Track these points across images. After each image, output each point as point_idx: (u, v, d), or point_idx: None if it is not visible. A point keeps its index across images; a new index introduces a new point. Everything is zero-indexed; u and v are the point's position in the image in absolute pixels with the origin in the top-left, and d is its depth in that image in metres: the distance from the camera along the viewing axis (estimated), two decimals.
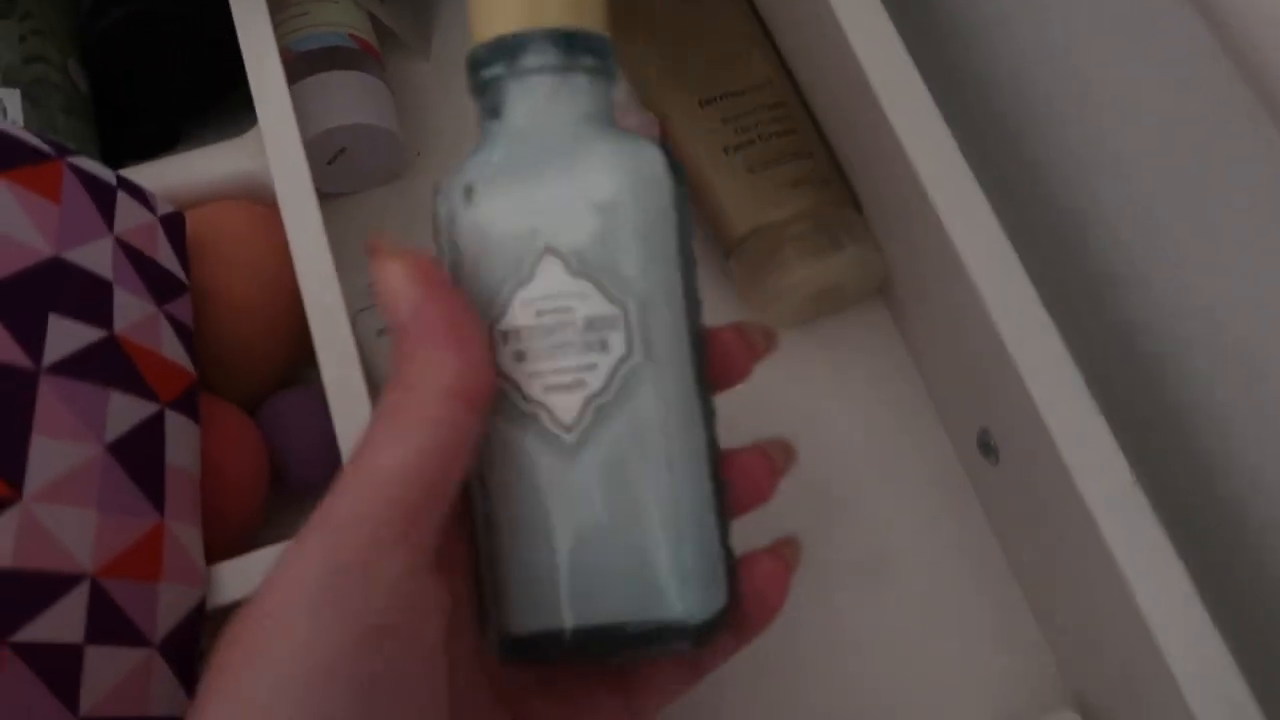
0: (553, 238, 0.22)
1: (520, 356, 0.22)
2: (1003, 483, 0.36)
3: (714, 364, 0.25)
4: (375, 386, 0.39)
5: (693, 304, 0.23)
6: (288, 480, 0.38)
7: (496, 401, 0.22)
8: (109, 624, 0.26)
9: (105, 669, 0.26)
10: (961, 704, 0.36)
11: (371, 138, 0.42)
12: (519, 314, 0.22)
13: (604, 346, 0.22)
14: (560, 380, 0.22)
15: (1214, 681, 0.28)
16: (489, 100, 0.23)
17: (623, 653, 0.22)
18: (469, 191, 0.23)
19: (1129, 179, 0.36)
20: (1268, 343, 0.32)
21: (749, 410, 0.40)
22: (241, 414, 0.37)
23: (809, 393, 0.41)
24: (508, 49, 0.23)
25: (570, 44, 0.23)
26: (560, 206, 0.22)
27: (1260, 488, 0.33)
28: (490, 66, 0.23)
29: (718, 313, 0.41)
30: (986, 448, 0.36)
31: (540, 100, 0.23)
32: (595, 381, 0.22)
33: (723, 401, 0.26)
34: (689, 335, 0.23)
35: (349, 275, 0.41)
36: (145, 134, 0.44)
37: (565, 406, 0.22)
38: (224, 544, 0.35)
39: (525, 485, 0.22)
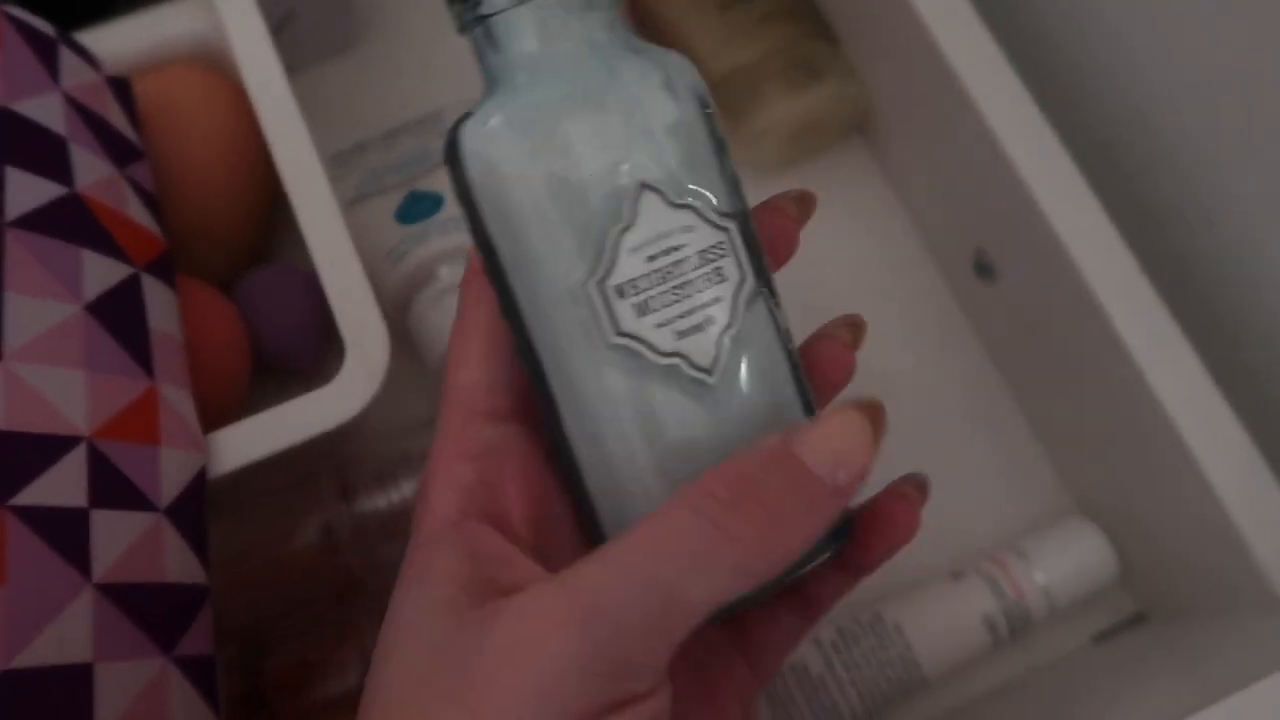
0: (642, 171, 0.20)
1: (643, 309, 0.20)
2: (1001, 301, 0.36)
3: (766, 246, 0.23)
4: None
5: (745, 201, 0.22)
6: (268, 357, 0.36)
7: (625, 361, 0.20)
8: (112, 487, 0.25)
9: (114, 533, 0.25)
10: (967, 521, 0.36)
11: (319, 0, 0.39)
12: (630, 264, 0.20)
13: (720, 276, 0.20)
14: (690, 323, 0.20)
15: (1232, 458, 0.28)
16: (500, 32, 0.20)
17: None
18: (515, 114, 0.19)
19: None
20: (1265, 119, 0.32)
21: None
22: (217, 291, 0.35)
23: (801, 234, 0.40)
24: None
25: None
26: (637, 137, 0.20)
27: (1265, 271, 0.34)
28: None
29: None
30: (983, 268, 0.36)
31: (561, 21, 0.20)
32: (722, 316, 0.20)
33: None
34: (756, 234, 0.22)
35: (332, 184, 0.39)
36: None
37: (701, 349, 0.20)
38: (209, 423, 0.33)
39: (678, 439, 0.20)
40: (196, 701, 0.25)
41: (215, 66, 0.36)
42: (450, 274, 0.36)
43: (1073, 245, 0.30)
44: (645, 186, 0.20)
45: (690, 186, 0.20)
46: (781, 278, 0.40)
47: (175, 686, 0.25)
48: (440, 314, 0.36)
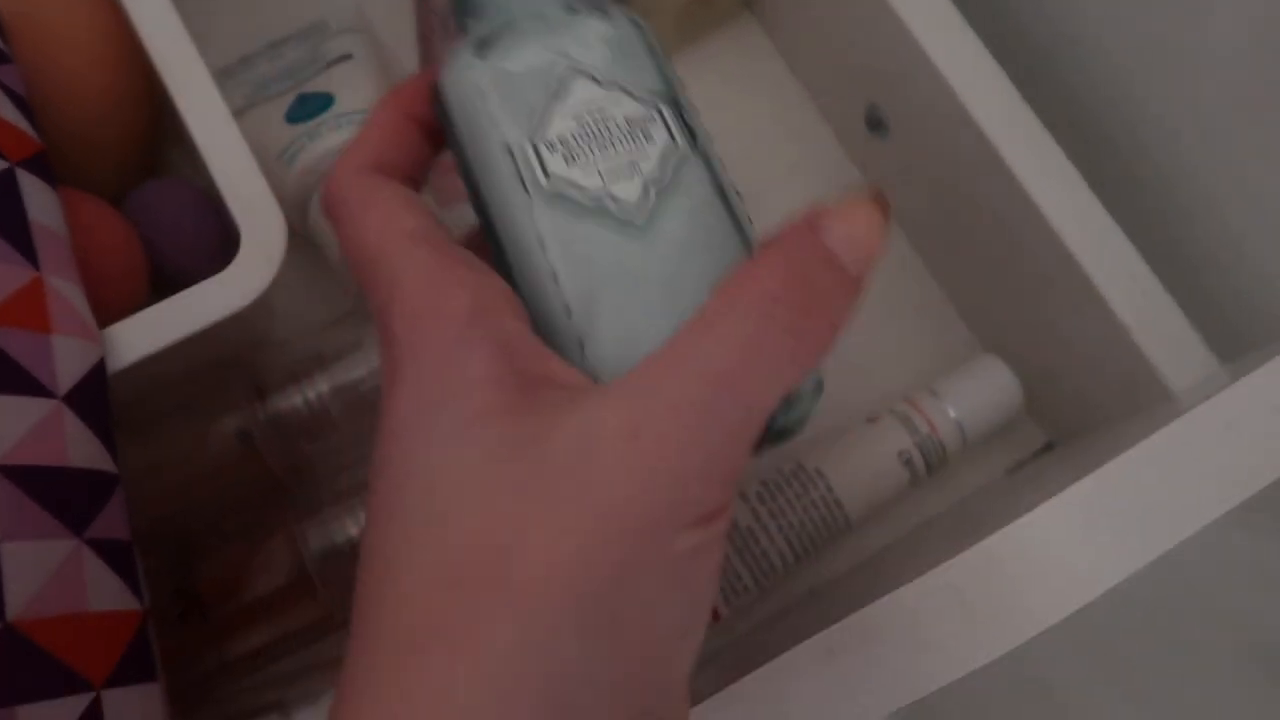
0: (578, 63, 0.23)
1: (571, 158, 0.23)
2: (895, 154, 0.37)
3: None
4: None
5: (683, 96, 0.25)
6: (165, 273, 0.35)
7: (557, 205, 0.22)
8: (3, 373, 0.24)
9: (9, 418, 0.24)
10: (880, 370, 0.37)
11: None
12: (559, 123, 0.23)
13: (648, 137, 0.23)
14: (616, 170, 0.23)
15: (1119, 267, 0.30)
16: None
17: None
18: (482, 46, 0.24)
19: None
20: None
21: None
22: (107, 205, 0.34)
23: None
24: None
25: None
26: (576, 42, 0.24)
27: (1136, 95, 0.35)
28: None
29: None
30: (876, 122, 0.37)
31: None
32: (649, 168, 0.23)
33: None
34: (695, 120, 0.25)
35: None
36: None
37: (627, 191, 0.23)
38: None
39: (595, 269, 0.22)
40: (115, 582, 0.25)
41: None
42: None
43: (961, 88, 0.31)
44: (577, 71, 0.23)
45: (621, 76, 0.23)
46: None
47: (91, 568, 0.24)
48: None
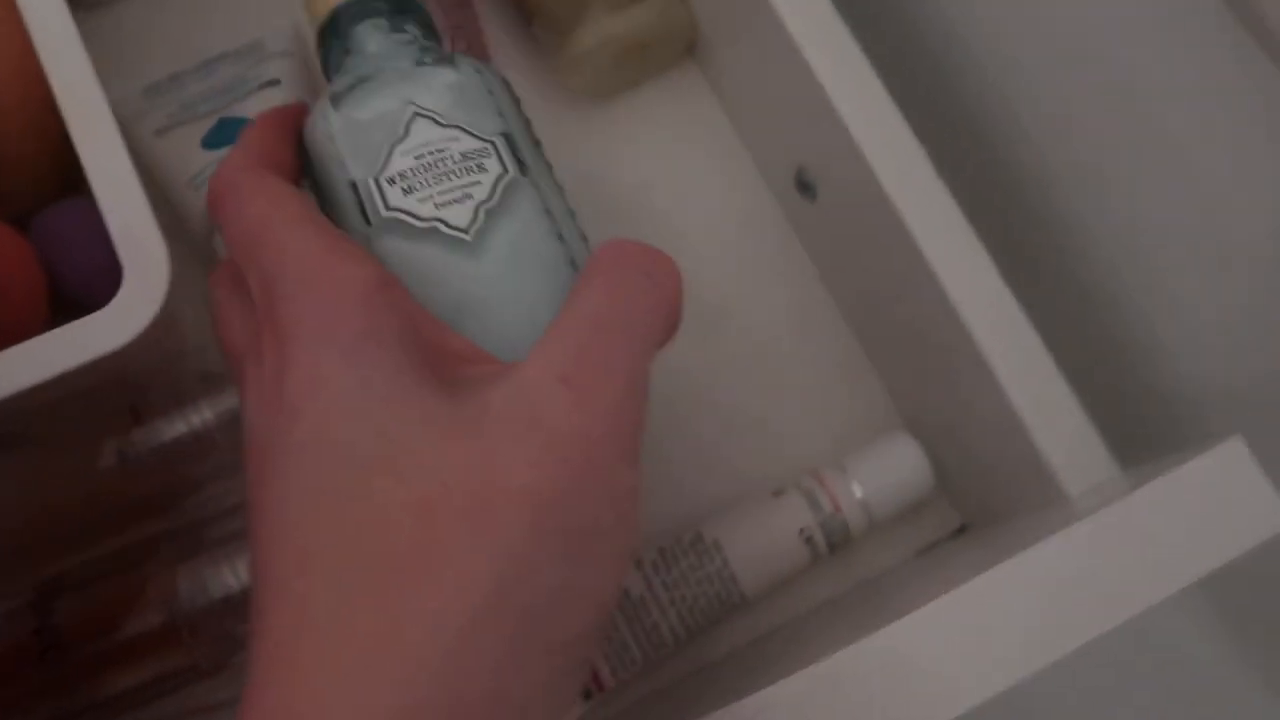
0: (422, 108, 0.26)
1: (409, 190, 0.25)
2: (822, 219, 0.36)
3: None
4: (156, 186, 0.36)
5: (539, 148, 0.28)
6: (67, 295, 0.35)
7: (395, 231, 0.25)
8: None
9: None
10: (798, 439, 0.36)
11: None
12: (399, 162, 0.25)
13: (482, 168, 0.25)
14: (450, 197, 0.25)
15: (1030, 373, 0.29)
16: (343, 40, 0.29)
17: None
18: (336, 98, 0.26)
19: None
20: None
21: (573, 189, 0.39)
22: (4, 225, 0.33)
23: (630, 158, 0.39)
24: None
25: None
26: (423, 90, 0.26)
27: (1061, 181, 0.34)
28: (352, 16, 0.29)
29: (523, 87, 0.40)
30: (804, 185, 0.36)
31: (384, 31, 0.29)
32: (481, 193, 0.25)
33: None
34: (546, 164, 0.28)
35: (135, 123, 0.38)
36: None
37: (459, 215, 0.25)
38: None
39: (433, 287, 0.24)
40: None
41: None
42: None
43: (878, 166, 0.30)
44: (418, 113, 0.26)
45: (461, 118, 0.26)
46: (615, 203, 0.39)
47: None
48: None
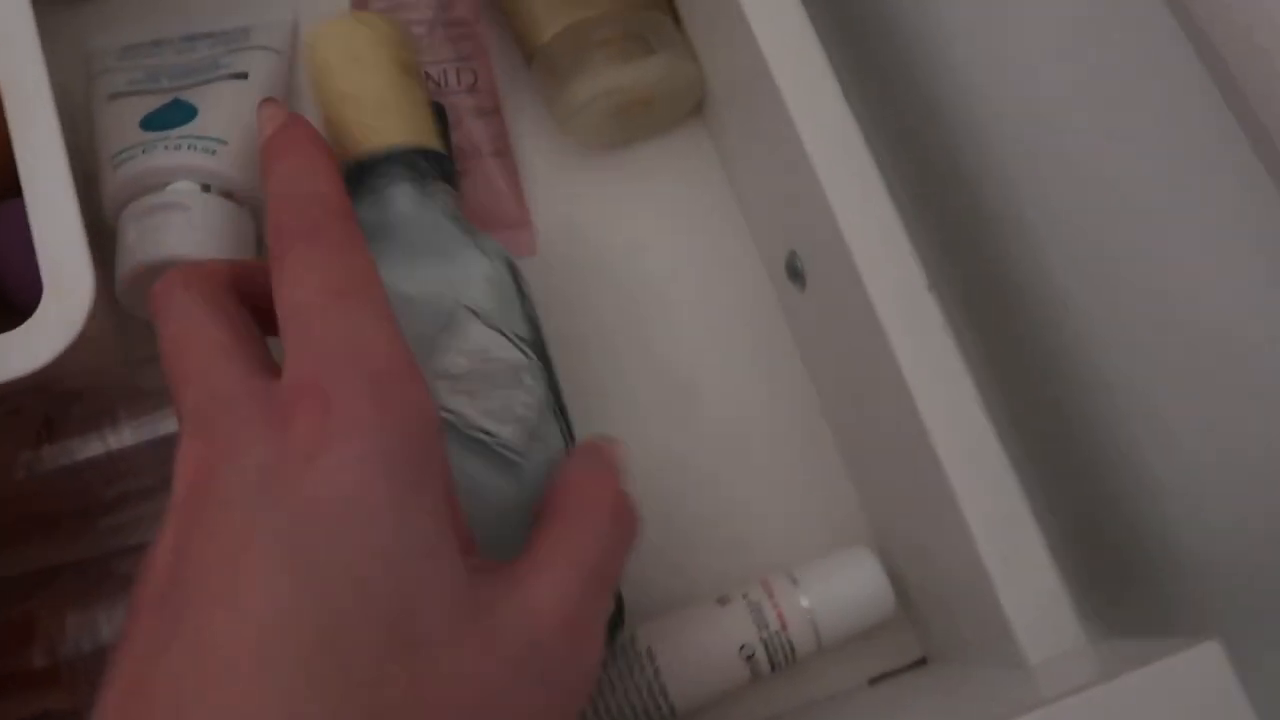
0: (464, 297, 0.27)
1: (458, 391, 0.25)
2: (810, 310, 0.33)
3: None
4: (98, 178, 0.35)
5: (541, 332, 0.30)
6: (10, 303, 0.33)
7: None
8: None
9: None
10: (763, 542, 0.34)
11: None
12: (450, 360, 0.26)
13: (528, 388, 0.27)
14: (508, 414, 0.26)
15: (1003, 521, 0.26)
16: (371, 189, 0.29)
17: None
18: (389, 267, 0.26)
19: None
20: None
21: (565, 239, 0.37)
22: None
23: (626, 216, 0.37)
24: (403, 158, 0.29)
25: (438, 158, 0.30)
26: (460, 276, 0.27)
27: (1053, 295, 0.32)
28: (384, 173, 0.29)
29: (525, 128, 0.38)
30: (794, 272, 0.33)
31: (418, 197, 0.29)
32: (530, 413, 0.26)
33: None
34: (548, 355, 0.29)
35: (99, 79, 0.36)
36: None
37: (514, 434, 0.26)
38: None
39: (480, 504, 0.25)
40: None
41: None
42: (177, 189, 0.32)
43: (865, 267, 0.28)
44: (463, 306, 0.26)
45: (499, 319, 0.27)
46: (603, 261, 0.37)
47: None
48: (139, 230, 0.32)
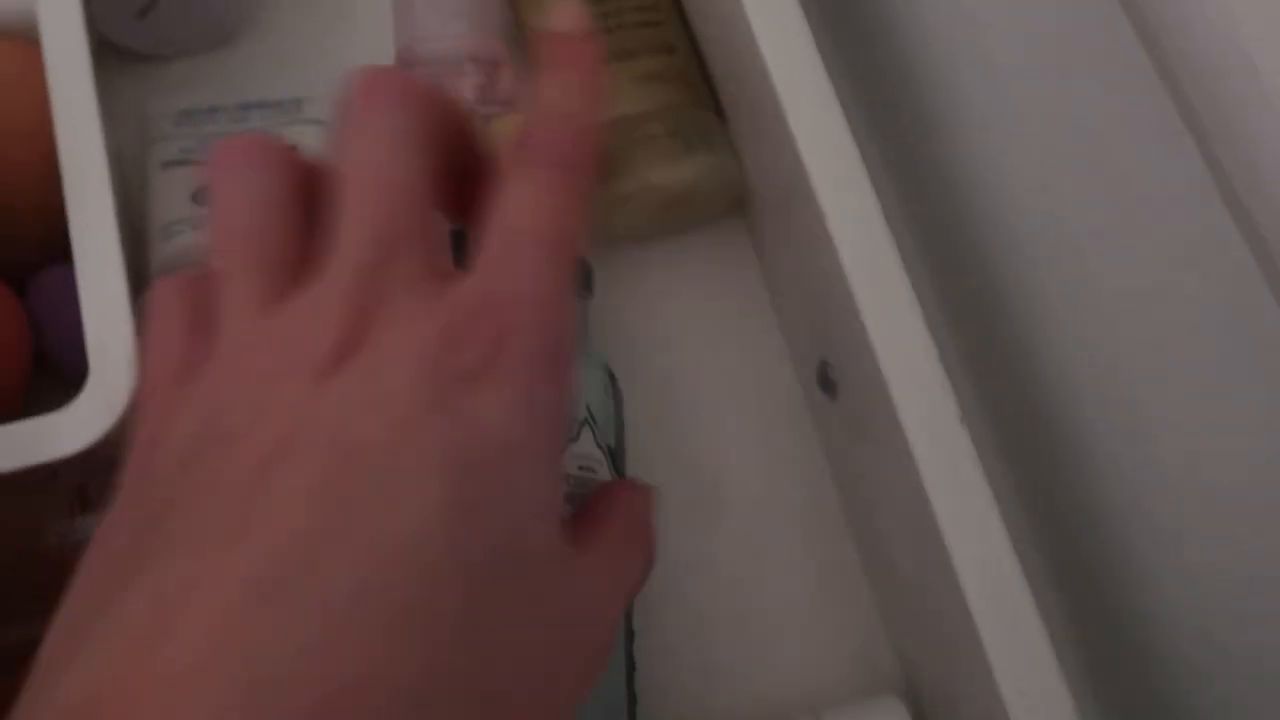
0: (588, 409, 0.29)
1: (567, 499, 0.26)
2: (839, 420, 0.33)
3: None
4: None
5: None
6: (56, 367, 0.34)
7: None
8: None
9: None
10: (780, 664, 0.33)
11: None
12: (569, 463, 0.28)
13: None
14: None
15: (1021, 648, 0.26)
16: None
17: None
18: None
19: (999, 130, 0.33)
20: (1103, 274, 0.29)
21: (595, 328, 0.37)
22: (4, 287, 0.32)
23: (657, 312, 0.37)
24: None
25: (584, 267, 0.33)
26: (586, 381, 0.30)
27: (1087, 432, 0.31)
28: None
29: None
30: (825, 381, 0.33)
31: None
32: None
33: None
34: None
35: (155, 145, 0.37)
36: None
37: None
38: None
39: None
40: None
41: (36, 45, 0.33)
42: None
43: (897, 390, 0.28)
44: (589, 419, 0.29)
45: (606, 439, 0.30)
46: (633, 351, 0.37)
47: None
48: None
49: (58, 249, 0.34)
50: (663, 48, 0.36)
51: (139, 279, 0.32)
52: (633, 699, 0.30)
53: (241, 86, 0.39)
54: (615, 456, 0.31)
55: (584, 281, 0.34)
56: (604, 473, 0.30)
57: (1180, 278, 0.29)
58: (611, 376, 0.31)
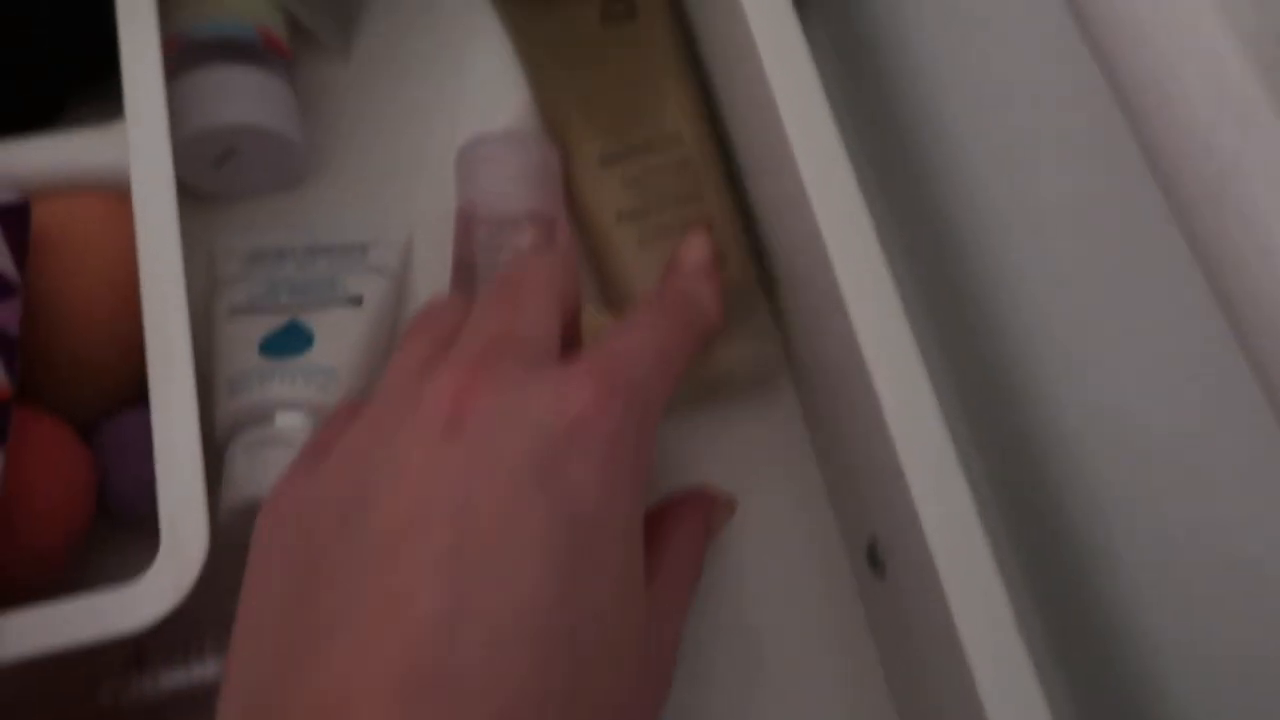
0: None
1: None
2: (887, 601, 0.34)
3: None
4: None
5: None
6: (118, 512, 0.34)
7: None
8: None
9: None
10: None
11: (264, 141, 0.38)
12: None
13: None
14: None
15: None
16: None
17: None
18: None
19: (1059, 316, 0.34)
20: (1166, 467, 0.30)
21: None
22: (69, 432, 0.33)
23: (702, 473, 0.38)
24: None
25: None
26: None
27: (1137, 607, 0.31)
28: None
29: None
30: (874, 559, 0.34)
31: None
32: None
33: None
34: None
35: (223, 287, 0.38)
36: (18, 108, 0.40)
37: None
38: (28, 580, 0.31)
39: None
40: None
41: (124, 197, 0.34)
42: (285, 423, 0.34)
43: (950, 588, 0.28)
44: None
45: None
46: None
47: None
48: (250, 462, 0.33)
49: (127, 395, 0.36)
50: (700, 222, 0.37)
51: (205, 435, 0.32)
52: None
53: (309, 228, 0.40)
54: None
55: None
56: None
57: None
58: None
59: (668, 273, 0.32)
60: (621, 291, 0.37)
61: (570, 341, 0.28)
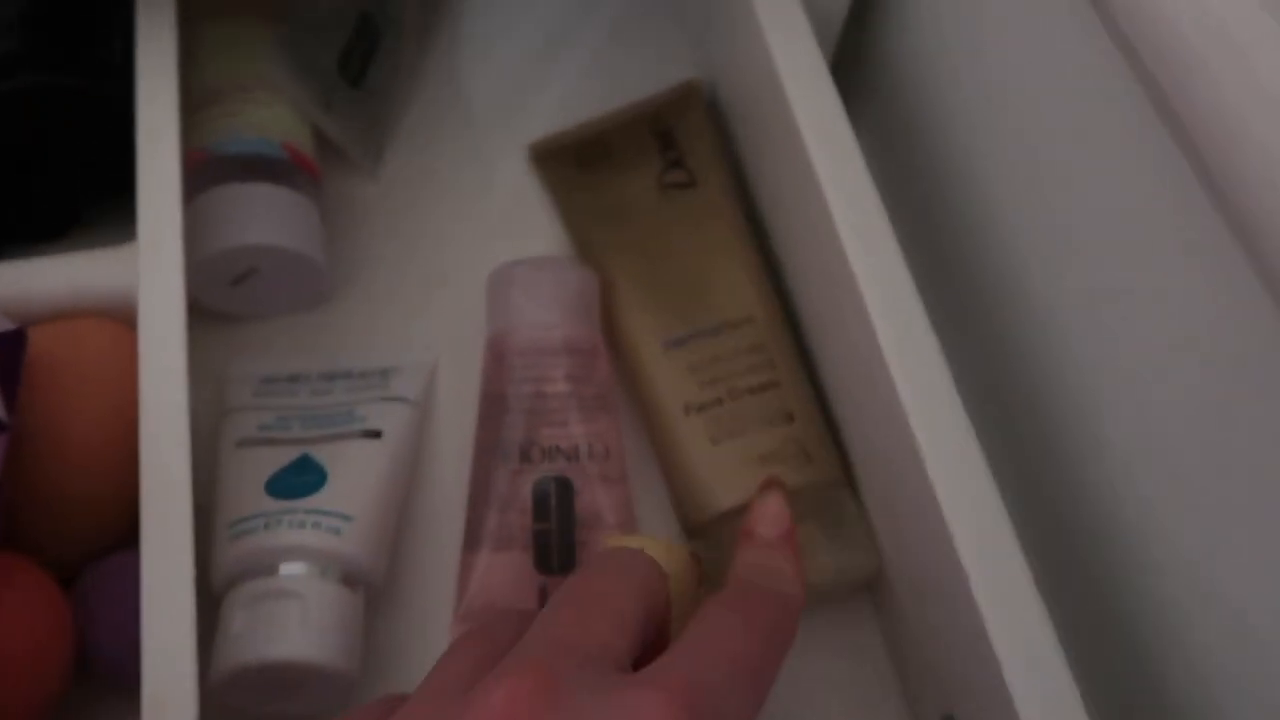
0: None
1: None
2: None
3: None
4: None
5: None
6: (96, 667, 0.30)
7: None
8: None
9: None
10: None
11: (286, 262, 0.36)
12: None
13: None
14: None
15: None
16: None
17: None
18: None
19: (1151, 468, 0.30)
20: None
21: None
22: (48, 581, 0.30)
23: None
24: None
25: None
26: None
27: None
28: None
29: (649, 505, 0.35)
30: None
31: None
32: None
33: None
34: None
35: (232, 416, 0.35)
36: (33, 220, 0.38)
37: None
38: None
39: None
40: None
41: (132, 323, 0.32)
42: (289, 574, 0.30)
43: None
44: None
45: None
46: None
47: None
48: (249, 620, 0.29)
49: (117, 536, 0.32)
50: (780, 417, 0.32)
51: (201, 576, 0.29)
52: None
53: (328, 351, 0.38)
54: None
55: None
56: None
57: None
58: None
59: (741, 546, 0.27)
60: (693, 497, 0.33)
61: (659, 634, 0.25)
